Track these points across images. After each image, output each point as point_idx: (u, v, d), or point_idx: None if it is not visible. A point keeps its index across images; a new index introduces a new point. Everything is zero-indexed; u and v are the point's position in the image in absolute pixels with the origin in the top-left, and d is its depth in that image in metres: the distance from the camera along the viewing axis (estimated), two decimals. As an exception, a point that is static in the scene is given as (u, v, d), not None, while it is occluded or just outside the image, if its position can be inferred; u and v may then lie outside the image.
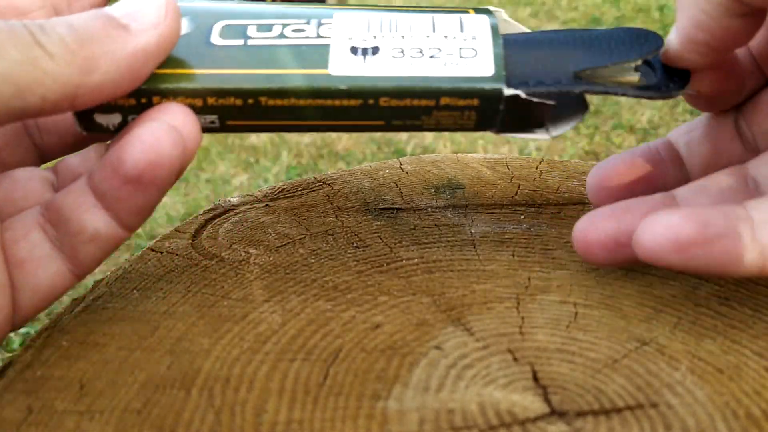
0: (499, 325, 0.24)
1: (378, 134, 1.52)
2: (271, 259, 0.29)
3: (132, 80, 0.19)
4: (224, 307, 0.26)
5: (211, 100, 0.24)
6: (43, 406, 0.21)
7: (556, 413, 0.20)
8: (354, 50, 0.24)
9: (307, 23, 0.25)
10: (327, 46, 0.24)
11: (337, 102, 0.24)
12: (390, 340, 0.24)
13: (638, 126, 1.48)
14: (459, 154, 0.42)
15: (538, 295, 0.26)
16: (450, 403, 0.20)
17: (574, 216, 0.32)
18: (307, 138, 1.64)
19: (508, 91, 0.24)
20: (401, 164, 0.41)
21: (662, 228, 0.20)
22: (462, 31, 0.25)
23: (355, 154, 1.49)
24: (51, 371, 0.23)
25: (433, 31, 0.25)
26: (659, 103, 1.59)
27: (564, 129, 0.26)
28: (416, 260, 0.28)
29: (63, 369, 0.23)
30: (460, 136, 1.47)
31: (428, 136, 1.49)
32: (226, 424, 0.20)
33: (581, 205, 0.33)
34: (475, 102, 0.24)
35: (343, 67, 0.24)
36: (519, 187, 0.35)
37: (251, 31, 0.25)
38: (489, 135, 1.50)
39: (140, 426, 0.20)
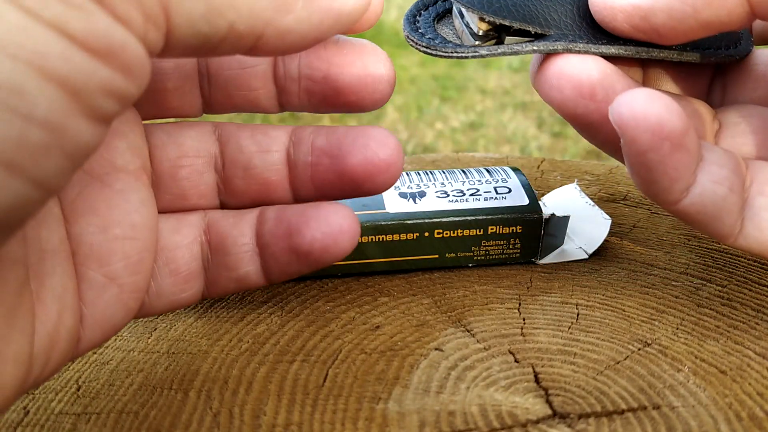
0: (500, 326, 0.24)
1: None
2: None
3: (317, 38, 0.17)
4: (222, 308, 0.26)
5: None
6: (40, 407, 0.21)
7: (557, 415, 0.20)
8: (403, 195, 0.28)
9: None
10: (380, 194, 0.27)
11: (395, 237, 0.27)
12: (390, 341, 0.24)
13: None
14: (459, 153, 0.42)
15: (539, 296, 0.26)
16: (450, 405, 0.20)
17: (576, 216, 0.31)
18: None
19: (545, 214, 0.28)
20: (401, 164, 0.40)
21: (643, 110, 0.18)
22: (491, 175, 0.30)
23: (355, 153, 1.49)
24: (48, 373, 0.23)
25: (467, 177, 0.29)
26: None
27: (597, 244, 0.29)
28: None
29: (60, 370, 0.23)
30: (461, 135, 1.48)
31: (428, 136, 1.49)
32: (224, 426, 0.20)
33: (582, 204, 0.33)
34: (519, 229, 0.28)
35: (398, 207, 0.27)
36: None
37: None
38: (489, 134, 1.50)
39: (138, 428, 0.20)
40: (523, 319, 0.25)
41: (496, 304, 0.26)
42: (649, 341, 0.23)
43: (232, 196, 0.21)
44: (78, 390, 0.22)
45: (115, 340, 0.24)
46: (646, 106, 0.18)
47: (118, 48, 0.12)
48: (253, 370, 0.22)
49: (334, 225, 0.19)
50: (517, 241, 0.28)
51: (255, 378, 0.22)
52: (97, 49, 0.12)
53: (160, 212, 0.20)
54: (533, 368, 0.22)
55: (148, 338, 0.24)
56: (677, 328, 0.24)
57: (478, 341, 0.23)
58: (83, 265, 0.18)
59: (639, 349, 0.23)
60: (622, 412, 0.20)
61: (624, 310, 0.25)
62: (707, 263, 0.28)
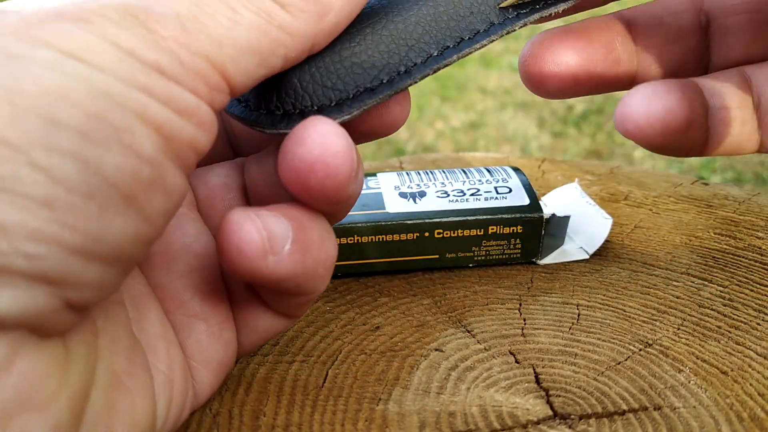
0: (500, 326, 0.24)
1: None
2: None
3: (359, 7, 0.17)
4: (223, 308, 0.26)
5: None
6: (39, 408, 0.21)
7: (558, 416, 0.20)
8: (403, 195, 0.28)
9: None
10: (380, 193, 0.28)
11: (395, 237, 0.27)
12: (390, 341, 0.23)
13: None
14: (460, 153, 0.42)
15: (540, 296, 0.26)
16: (451, 406, 0.20)
17: (576, 216, 0.31)
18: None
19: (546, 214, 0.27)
20: (401, 163, 0.40)
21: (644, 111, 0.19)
22: (491, 175, 0.29)
23: (355, 153, 1.49)
24: (47, 373, 0.23)
25: (467, 177, 0.29)
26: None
27: (597, 244, 0.29)
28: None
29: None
30: (461, 135, 1.47)
31: (429, 135, 1.49)
32: (223, 426, 0.20)
33: (583, 204, 0.33)
34: (519, 229, 0.27)
35: (398, 207, 0.27)
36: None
37: None
38: (490, 134, 1.50)
39: (137, 429, 0.20)
40: (524, 320, 0.25)
41: (497, 304, 0.26)
42: (650, 342, 0.23)
43: None
44: (77, 391, 0.22)
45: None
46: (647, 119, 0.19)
47: (194, 108, 0.14)
48: (253, 371, 0.22)
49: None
50: (518, 241, 0.28)
51: (254, 378, 0.22)
52: (178, 109, 0.14)
53: None
54: (534, 369, 0.22)
55: (148, 339, 0.24)
56: (678, 329, 0.24)
57: (478, 342, 0.23)
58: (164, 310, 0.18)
59: (640, 350, 0.23)
60: (623, 412, 0.20)
61: (625, 311, 0.25)
62: (708, 263, 0.28)
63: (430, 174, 0.29)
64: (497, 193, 0.28)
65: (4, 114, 0.12)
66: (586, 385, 0.21)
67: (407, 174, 0.29)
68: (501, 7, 0.19)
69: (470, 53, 0.18)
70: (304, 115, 0.17)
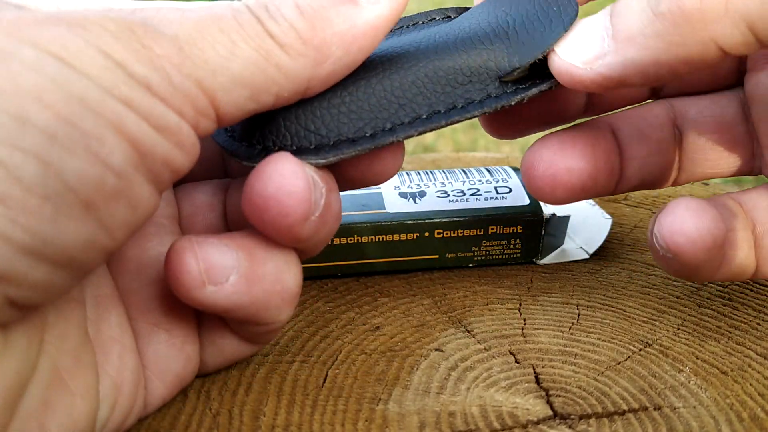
0: (500, 326, 0.24)
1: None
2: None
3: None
4: (222, 308, 0.26)
5: None
6: (39, 408, 0.21)
7: (558, 416, 0.20)
8: (403, 195, 0.28)
9: None
10: (380, 193, 0.28)
11: (395, 237, 0.26)
12: (390, 342, 0.23)
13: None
14: (460, 153, 0.42)
15: (540, 296, 0.26)
16: (451, 406, 0.20)
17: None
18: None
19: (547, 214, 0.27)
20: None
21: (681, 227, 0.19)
22: (491, 174, 0.29)
23: (355, 153, 1.49)
24: (47, 373, 0.23)
25: (467, 177, 0.29)
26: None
27: (597, 244, 0.29)
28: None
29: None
30: (461, 135, 1.47)
31: (428, 136, 1.48)
32: (223, 426, 0.20)
33: (583, 204, 0.33)
34: (519, 229, 0.27)
35: (398, 207, 0.27)
36: (520, 187, 0.35)
37: None
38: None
39: (136, 428, 0.20)
40: (524, 320, 0.25)
41: (497, 304, 0.26)
42: (650, 342, 0.23)
43: None
44: (77, 391, 0.22)
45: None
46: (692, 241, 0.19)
47: (175, 128, 0.14)
48: (253, 371, 0.22)
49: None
50: (518, 241, 0.28)
51: (254, 378, 0.22)
52: (157, 125, 0.14)
53: None
54: (534, 369, 0.22)
55: (148, 339, 0.24)
56: (678, 329, 0.24)
57: (478, 342, 0.23)
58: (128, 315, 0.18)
59: (640, 350, 0.23)
60: (623, 412, 0.20)
61: (625, 311, 0.25)
62: (708, 263, 0.28)
63: (430, 174, 0.29)
64: (497, 193, 0.28)
65: None
66: (586, 385, 0.21)
67: (407, 174, 0.29)
68: (503, 81, 0.18)
69: (459, 122, 0.18)
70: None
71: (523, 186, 0.28)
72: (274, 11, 0.15)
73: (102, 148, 0.13)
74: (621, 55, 0.17)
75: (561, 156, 0.21)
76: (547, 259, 0.28)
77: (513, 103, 0.18)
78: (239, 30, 0.15)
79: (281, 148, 0.17)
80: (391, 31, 0.19)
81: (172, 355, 0.18)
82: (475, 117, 0.18)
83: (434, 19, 0.21)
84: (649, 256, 0.29)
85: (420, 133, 0.18)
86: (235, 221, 0.20)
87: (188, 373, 0.19)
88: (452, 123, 0.18)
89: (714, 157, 0.23)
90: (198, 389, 0.21)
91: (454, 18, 0.20)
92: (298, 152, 0.17)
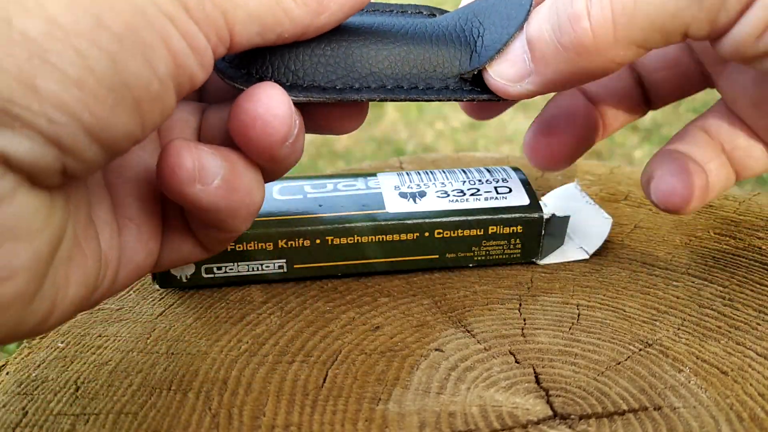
0: (500, 326, 0.24)
1: (378, 133, 1.52)
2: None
3: (347, 17, 0.20)
4: (222, 308, 0.26)
5: (281, 243, 0.26)
6: (39, 408, 0.21)
7: (558, 416, 0.20)
8: (403, 195, 0.28)
9: (356, 180, 0.29)
10: (380, 193, 0.28)
11: (395, 237, 0.26)
12: (390, 342, 0.23)
13: (641, 126, 1.48)
14: (460, 153, 0.42)
15: (540, 296, 0.26)
16: (451, 406, 0.20)
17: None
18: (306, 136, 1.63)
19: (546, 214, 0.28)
20: (401, 163, 0.40)
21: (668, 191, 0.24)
22: (491, 174, 0.29)
23: (354, 153, 1.49)
24: (47, 373, 0.22)
25: (467, 177, 0.29)
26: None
27: (597, 244, 0.29)
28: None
29: (59, 371, 0.23)
30: (461, 135, 1.47)
31: (428, 135, 1.49)
32: (223, 426, 0.20)
33: (583, 204, 0.33)
34: (519, 229, 0.27)
35: (398, 207, 0.27)
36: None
37: (307, 188, 0.28)
38: (490, 134, 1.50)
39: (136, 429, 0.20)
40: (524, 320, 0.25)
41: (497, 304, 0.26)
42: (650, 342, 0.23)
43: None
44: (77, 390, 0.22)
45: (114, 340, 0.24)
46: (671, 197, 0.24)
47: (203, 49, 0.16)
48: (253, 371, 0.22)
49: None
50: (518, 241, 0.28)
51: (254, 379, 0.22)
52: (191, 45, 0.16)
53: None
54: (534, 369, 0.22)
55: (147, 339, 0.24)
56: (678, 329, 0.24)
57: (478, 342, 0.23)
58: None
59: (640, 350, 0.23)
60: (623, 412, 0.20)
61: (625, 311, 0.25)
62: (708, 264, 0.28)
63: (430, 174, 0.29)
64: (497, 193, 0.28)
65: (64, 3, 0.14)
66: (586, 385, 0.21)
67: (407, 174, 0.29)
68: (462, 78, 0.21)
69: (416, 101, 0.21)
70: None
71: (523, 186, 0.28)
72: None
73: (154, 56, 0.15)
74: (541, 75, 0.21)
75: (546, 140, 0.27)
76: (547, 259, 0.28)
77: (464, 100, 0.21)
78: None
79: (261, 78, 0.19)
80: (382, 11, 0.22)
81: (138, 248, 0.20)
82: (431, 101, 0.21)
83: (421, 12, 0.23)
84: (649, 256, 0.29)
85: (381, 100, 0.20)
86: (209, 140, 0.21)
87: (147, 265, 0.20)
88: (411, 100, 0.21)
89: (670, 88, 0.28)
90: (198, 389, 0.21)
91: (438, 17, 0.23)
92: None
